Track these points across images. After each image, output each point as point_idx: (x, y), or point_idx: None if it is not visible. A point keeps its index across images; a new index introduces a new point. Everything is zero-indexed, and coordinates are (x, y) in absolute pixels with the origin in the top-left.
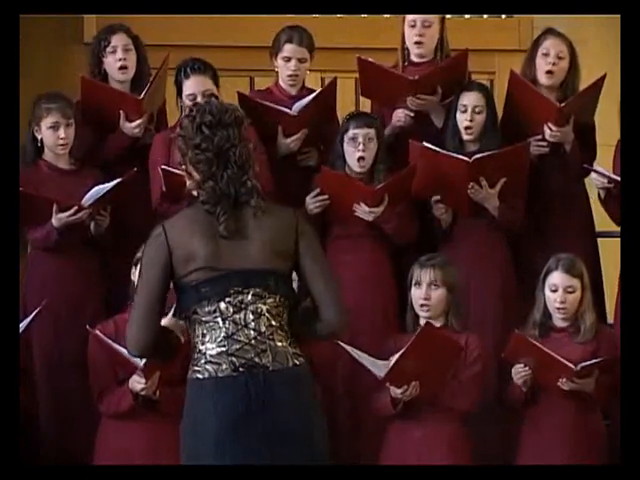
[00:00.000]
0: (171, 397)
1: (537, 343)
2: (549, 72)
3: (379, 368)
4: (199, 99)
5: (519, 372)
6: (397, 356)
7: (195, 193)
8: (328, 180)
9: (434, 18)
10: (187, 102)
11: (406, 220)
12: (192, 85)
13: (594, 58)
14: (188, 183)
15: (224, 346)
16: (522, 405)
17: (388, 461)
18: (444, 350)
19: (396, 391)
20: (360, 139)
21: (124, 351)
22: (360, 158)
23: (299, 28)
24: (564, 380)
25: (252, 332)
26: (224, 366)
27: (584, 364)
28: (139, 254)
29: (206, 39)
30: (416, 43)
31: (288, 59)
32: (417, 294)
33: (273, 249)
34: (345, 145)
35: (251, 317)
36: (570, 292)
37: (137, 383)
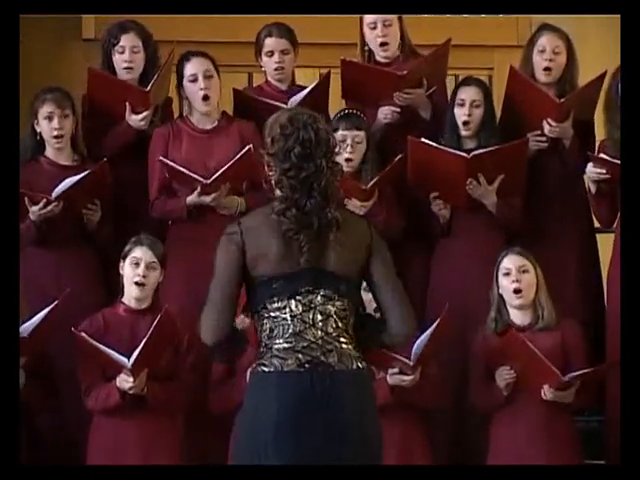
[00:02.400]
0: (158, 392)
1: (531, 345)
2: (547, 69)
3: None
4: (200, 79)
5: (503, 375)
6: (424, 341)
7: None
8: None
9: (393, 16)
10: (189, 86)
11: (393, 211)
12: (193, 66)
13: (594, 58)
14: (275, 195)
15: (291, 342)
16: (499, 408)
17: None
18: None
19: (404, 378)
20: (348, 141)
21: (110, 352)
22: (347, 159)
23: (277, 23)
24: (547, 389)
25: (319, 332)
26: (290, 361)
27: (573, 374)
28: (127, 247)
29: (204, 35)
30: (382, 45)
31: (271, 53)
32: (368, 298)
33: (347, 255)
34: None
35: (319, 317)
36: (524, 271)
37: (125, 382)
